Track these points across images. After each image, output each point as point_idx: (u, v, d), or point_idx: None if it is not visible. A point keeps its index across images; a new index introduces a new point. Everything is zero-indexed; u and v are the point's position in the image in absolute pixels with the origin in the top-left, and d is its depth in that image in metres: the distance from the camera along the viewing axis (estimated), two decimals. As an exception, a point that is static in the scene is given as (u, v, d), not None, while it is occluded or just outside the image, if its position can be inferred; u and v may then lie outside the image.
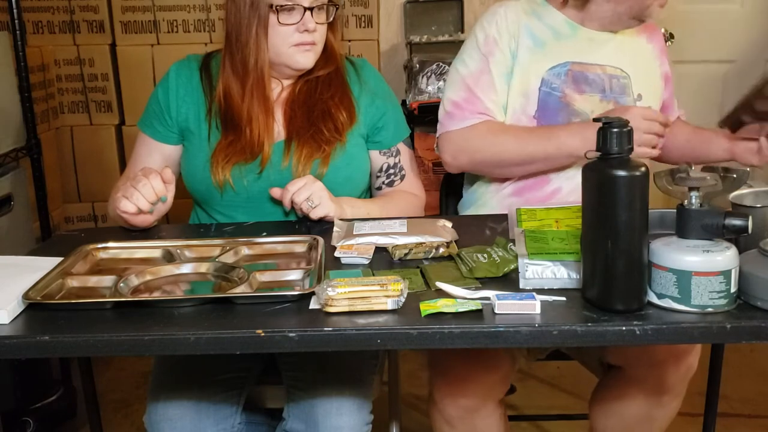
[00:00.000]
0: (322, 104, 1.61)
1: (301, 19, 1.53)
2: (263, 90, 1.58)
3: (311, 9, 1.53)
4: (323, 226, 1.49)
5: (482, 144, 1.60)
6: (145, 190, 1.41)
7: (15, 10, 2.23)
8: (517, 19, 1.64)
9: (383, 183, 1.69)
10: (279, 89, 1.64)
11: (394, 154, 1.68)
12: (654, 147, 1.53)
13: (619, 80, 1.63)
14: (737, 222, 1.00)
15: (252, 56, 1.56)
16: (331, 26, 1.62)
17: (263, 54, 1.55)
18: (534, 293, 1.07)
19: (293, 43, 1.55)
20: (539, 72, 1.61)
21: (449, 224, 1.42)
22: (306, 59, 1.58)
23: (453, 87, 1.65)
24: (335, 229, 1.42)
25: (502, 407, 1.56)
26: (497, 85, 1.62)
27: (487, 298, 1.07)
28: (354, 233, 1.37)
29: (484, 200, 1.70)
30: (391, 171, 1.68)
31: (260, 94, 1.58)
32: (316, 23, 1.55)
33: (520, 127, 1.61)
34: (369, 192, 1.73)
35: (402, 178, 1.69)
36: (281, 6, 1.52)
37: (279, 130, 1.61)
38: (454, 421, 1.49)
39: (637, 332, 0.99)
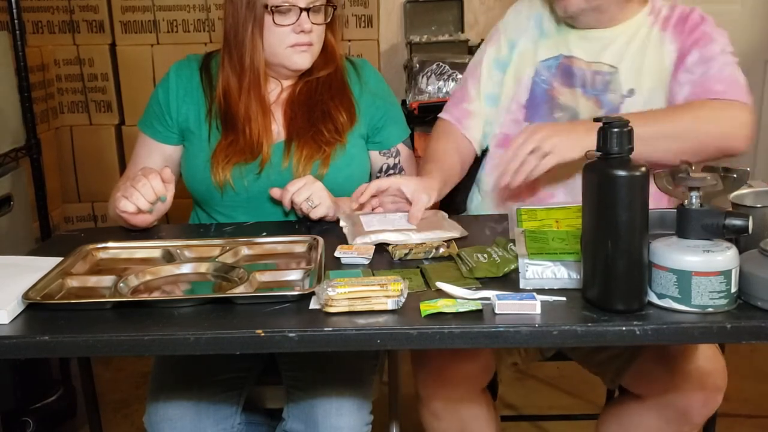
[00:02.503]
0: (322, 105, 1.61)
1: (297, 20, 1.53)
2: (260, 90, 1.58)
3: (308, 10, 1.53)
4: (323, 226, 1.49)
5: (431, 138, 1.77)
6: (145, 190, 1.41)
7: (15, 10, 2.23)
8: (530, 11, 1.68)
9: None
10: (278, 90, 1.64)
11: (393, 154, 1.68)
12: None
13: (604, 76, 1.59)
14: (737, 222, 1.00)
15: (248, 56, 1.56)
16: (330, 27, 1.62)
17: (259, 54, 1.55)
18: (534, 293, 1.07)
19: (289, 44, 1.55)
20: (534, 62, 1.65)
21: (446, 215, 1.44)
22: (303, 60, 1.57)
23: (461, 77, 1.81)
24: (342, 223, 1.43)
25: (486, 396, 1.56)
26: (485, 74, 1.70)
27: (487, 298, 1.07)
28: (366, 230, 1.37)
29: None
30: (391, 172, 1.68)
31: (257, 94, 1.58)
32: (314, 24, 1.55)
33: (441, 149, 1.68)
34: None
35: None
36: (276, 7, 1.52)
37: (279, 130, 1.61)
38: (441, 413, 1.50)
39: (637, 332, 0.99)
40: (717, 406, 1.42)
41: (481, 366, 1.48)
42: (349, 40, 2.97)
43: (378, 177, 1.68)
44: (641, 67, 1.58)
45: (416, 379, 1.50)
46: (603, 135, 1.01)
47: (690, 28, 1.56)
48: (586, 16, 1.57)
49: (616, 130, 1.01)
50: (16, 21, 2.23)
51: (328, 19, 1.59)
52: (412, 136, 1.78)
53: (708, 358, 1.41)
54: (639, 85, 1.58)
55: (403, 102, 2.84)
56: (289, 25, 1.53)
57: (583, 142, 1.35)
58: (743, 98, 1.48)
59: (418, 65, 2.87)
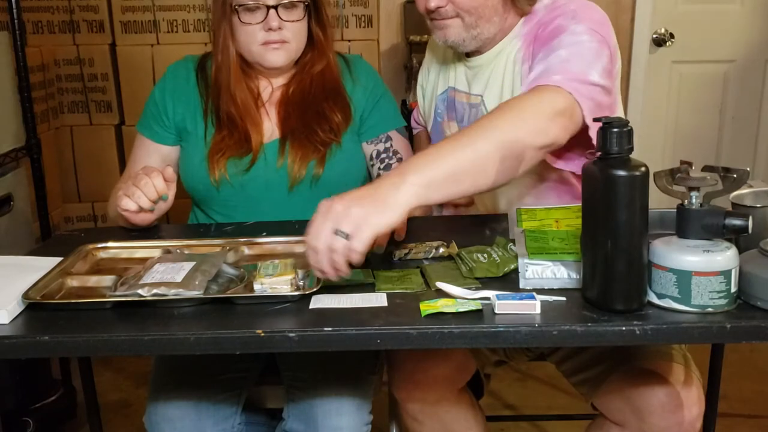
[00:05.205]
0: (315, 106, 1.60)
1: (265, 17, 1.52)
2: (241, 86, 1.59)
3: (276, 7, 1.52)
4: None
5: None
6: (147, 189, 1.41)
7: (15, 10, 2.23)
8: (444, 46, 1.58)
9: (380, 169, 1.66)
10: (269, 88, 1.64)
11: (383, 140, 1.66)
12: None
13: (478, 108, 1.53)
14: (737, 222, 1.00)
15: (221, 54, 1.58)
16: (317, 21, 1.61)
17: (230, 52, 1.57)
18: (534, 293, 1.07)
19: (260, 42, 1.54)
20: (434, 96, 1.66)
21: None
22: (276, 57, 1.56)
23: None
24: None
25: (467, 396, 1.54)
26: (419, 100, 1.75)
27: (487, 298, 1.07)
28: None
29: None
30: (384, 155, 1.65)
31: (240, 90, 1.58)
32: (286, 21, 1.54)
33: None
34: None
35: (399, 160, 1.66)
36: (240, 5, 1.52)
37: (273, 129, 1.61)
38: (419, 416, 1.49)
39: (637, 332, 0.99)
40: (692, 428, 1.32)
41: (455, 367, 1.47)
42: (349, 40, 2.97)
43: (372, 165, 1.68)
44: (501, 95, 1.49)
45: (389, 382, 1.50)
46: (603, 135, 1.01)
47: (543, 29, 1.40)
48: (468, 44, 1.48)
49: (615, 130, 1.01)
50: (16, 21, 2.23)
51: (302, 17, 1.56)
52: (411, 137, 1.77)
53: (680, 385, 1.31)
54: None
55: (403, 102, 2.84)
56: (257, 23, 1.53)
57: (391, 201, 1.07)
58: (559, 83, 1.27)
59: (418, 65, 2.87)
